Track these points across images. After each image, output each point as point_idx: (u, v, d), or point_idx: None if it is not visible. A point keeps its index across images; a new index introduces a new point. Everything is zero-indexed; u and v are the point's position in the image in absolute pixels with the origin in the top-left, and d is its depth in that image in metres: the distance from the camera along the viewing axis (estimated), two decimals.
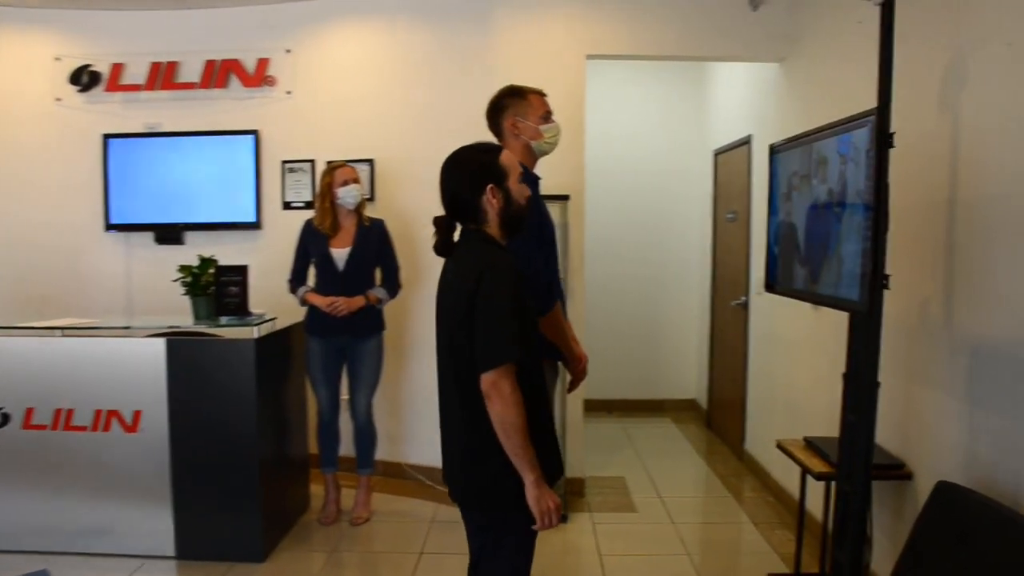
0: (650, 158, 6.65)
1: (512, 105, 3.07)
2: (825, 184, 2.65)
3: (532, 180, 3.08)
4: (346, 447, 4.44)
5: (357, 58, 4.90)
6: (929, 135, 2.98)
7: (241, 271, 3.96)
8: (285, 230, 4.88)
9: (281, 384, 4.10)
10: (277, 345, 4.04)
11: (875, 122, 2.32)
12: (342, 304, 4.11)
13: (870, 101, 3.57)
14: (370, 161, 4.81)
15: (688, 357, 6.84)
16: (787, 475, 4.53)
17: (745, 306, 5.33)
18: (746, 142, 5.30)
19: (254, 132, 4.96)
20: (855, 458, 2.76)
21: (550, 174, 4.43)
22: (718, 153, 6.08)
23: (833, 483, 3.29)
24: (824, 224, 2.67)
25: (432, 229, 2.35)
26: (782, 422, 4.64)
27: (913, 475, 3.15)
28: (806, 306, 4.21)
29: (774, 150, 3.21)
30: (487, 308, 2.11)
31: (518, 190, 2.26)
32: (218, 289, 3.93)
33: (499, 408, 2.06)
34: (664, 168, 6.65)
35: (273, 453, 3.96)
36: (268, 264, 4.56)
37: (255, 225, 5.01)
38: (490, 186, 2.20)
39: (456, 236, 2.34)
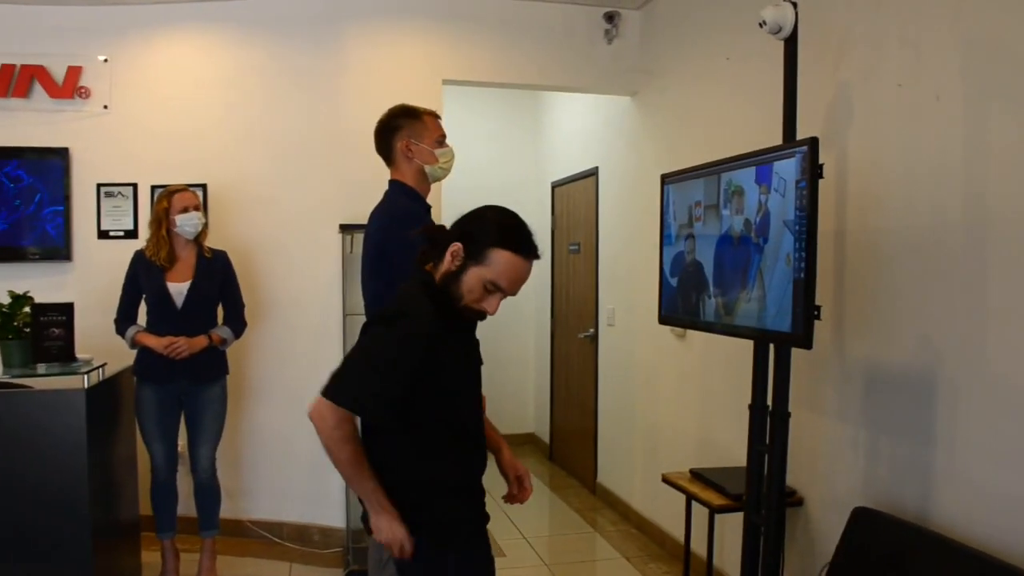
0: (484, 189, 6.50)
1: (406, 126, 2.84)
2: (741, 215, 2.64)
3: (424, 209, 2.88)
4: (182, 507, 3.91)
5: (188, 72, 4.42)
6: None
7: (66, 310, 3.38)
8: (101, 262, 4.32)
9: (112, 440, 3.54)
10: (108, 395, 3.48)
11: (808, 153, 2.32)
12: (183, 345, 3.63)
13: (726, 134, 3.74)
14: (203, 186, 4.33)
15: (525, 391, 6.77)
16: (651, 507, 4.54)
17: (594, 338, 5.34)
18: (592, 174, 5.34)
19: (63, 150, 4.32)
20: (771, 488, 2.75)
21: None
22: (556, 185, 6.11)
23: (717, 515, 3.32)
24: (740, 255, 2.65)
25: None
26: (643, 454, 4.65)
27: (804, 501, 3.21)
28: (669, 336, 4.26)
29: (666, 179, 3.19)
30: (370, 349, 1.88)
31: (474, 289, 1.88)
32: (36, 331, 3.32)
33: (322, 438, 1.85)
34: (500, 201, 6.54)
35: (105, 521, 3.39)
36: (81, 301, 3.93)
37: (64, 256, 4.34)
38: (459, 245, 1.88)
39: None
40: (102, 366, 3.45)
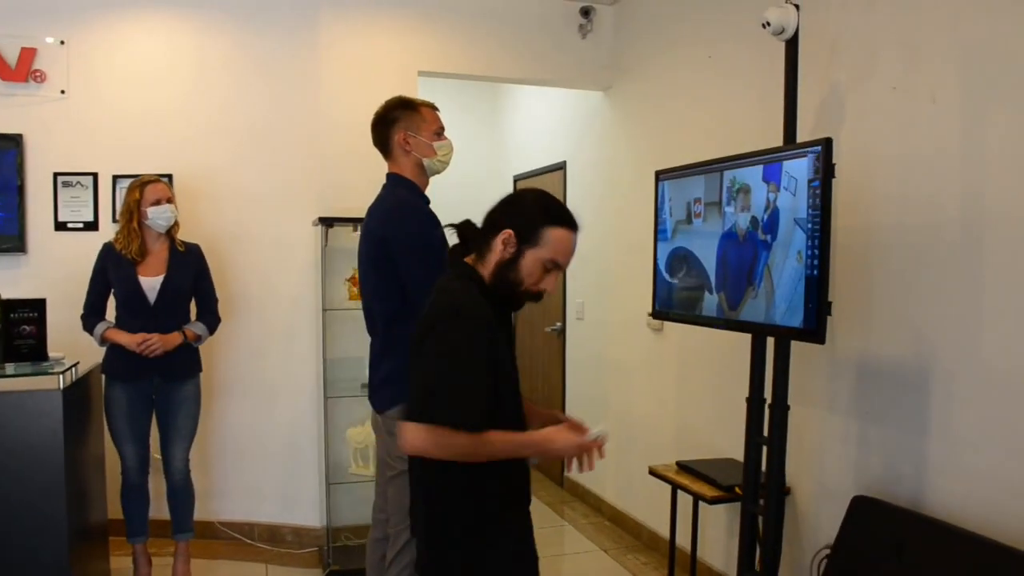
0: (440, 183, 6.47)
1: (403, 118, 2.81)
2: (747, 212, 2.68)
3: (425, 202, 2.86)
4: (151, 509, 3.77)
5: (152, 57, 4.23)
6: None
7: (38, 306, 3.21)
8: (58, 255, 4.15)
9: (84, 442, 3.39)
10: (80, 396, 3.33)
11: (822, 153, 2.37)
12: (157, 342, 3.49)
13: (705, 131, 3.81)
14: (169, 176, 4.17)
15: None
16: (624, 499, 4.59)
17: (561, 332, 5.36)
18: (560, 167, 5.35)
19: (16, 137, 4.09)
20: (770, 479, 2.81)
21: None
22: (519, 179, 6.09)
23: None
24: (746, 252, 2.69)
25: None
26: (616, 447, 4.68)
27: (792, 491, 3.29)
28: (644, 330, 4.31)
29: (661, 176, 3.21)
30: (444, 352, 1.80)
31: (533, 272, 1.88)
32: (6, 329, 3.15)
33: (436, 458, 1.80)
34: (460, 194, 6.49)
35: (79, 526, 3.24)
36: (38, 295, 3.72)
37: (18, 248, 4.12)
38: (509, 231, 1.87)
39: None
40: (74, 365, 3.30)
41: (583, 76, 4.65)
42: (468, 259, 1.97)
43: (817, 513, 3.17)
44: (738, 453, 3.57)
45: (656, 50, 4.29)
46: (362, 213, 4.05)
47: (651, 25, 4.33)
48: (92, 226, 4.19)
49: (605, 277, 4.75)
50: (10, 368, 3.17)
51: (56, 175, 4.17)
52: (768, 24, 2.76)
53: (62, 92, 4.16)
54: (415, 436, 1.76)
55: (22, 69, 4.08)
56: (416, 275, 2.59)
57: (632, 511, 4.49)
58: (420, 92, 5.67)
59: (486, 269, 1.91)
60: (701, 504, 3.39)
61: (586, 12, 4.47)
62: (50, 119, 4.14)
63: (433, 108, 2.88)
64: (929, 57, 2.68)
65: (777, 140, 2.94)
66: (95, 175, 4.20)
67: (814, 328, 2.42)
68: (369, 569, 2.94)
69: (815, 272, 2.40)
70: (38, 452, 3.01)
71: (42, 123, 4.13)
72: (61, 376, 3.10)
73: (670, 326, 4.08)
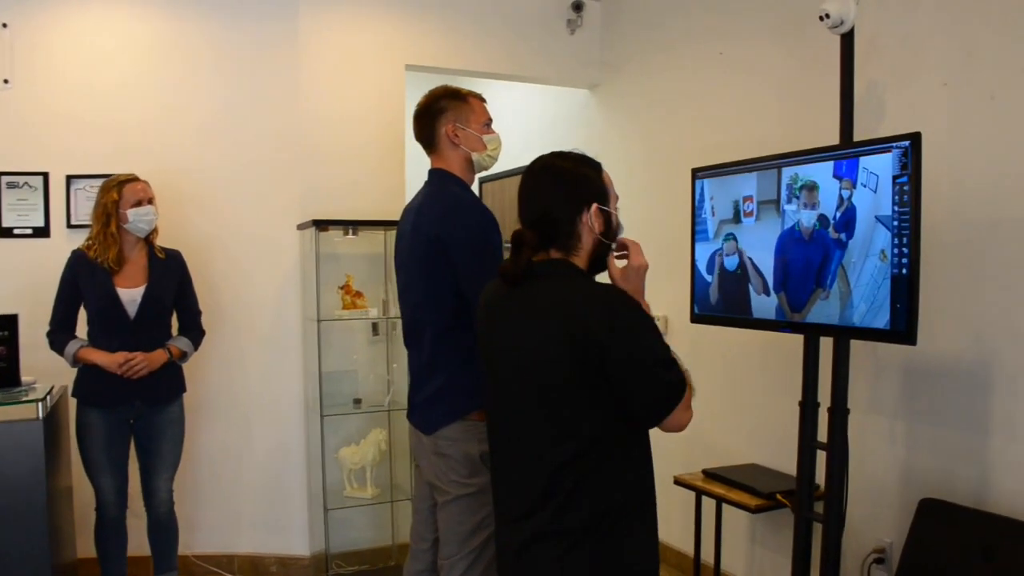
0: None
1: (451, 109, 2.55)
2: (814, 209, 2.58)
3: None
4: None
5: (110, 44, 3.80)
6: None
7: (9, 323, 2.82)
8: (3, 265, 3.68)
9: (56, 475, 2.99)
10: (55, 425, 2.94)
11: (911, 148, 2.28)
12: (141, 361, 3.13)
13: (703, 131, 3.78)
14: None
15: None
16: None
17: None
18: None
19: None
20: (831, 484, 2.72)
21: (366, 197, 3.89)
22: (485, 181, 5.89)
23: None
24: (813, 251, 2.58)
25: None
26: None
27: None
28: None
29: (698, 173, 3.09)
30: (640, 353, 1.67)
31: (618, 217, 1.87)
32: None
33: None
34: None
35: (56, 570, 2.86)
36: None
37: None
38: (595, 206, 1.78)
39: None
40: (50, 391, 2.91)
41: (571, 73, 4.49)
42: (552, 255, 1.79)
43: (861, 516, 3.10)
44: (761, 458, 3.51)
45: (652, 46, 4.18)
46: (350, 215, 3.84)
47: (644, 21, 4.22)
48: (43, 232, 3.75)
49: None
50: None
51: (0, 175, 3.71)
52: (827, 16, 2.66)
53: (5, 82, 3.70)
54: (684, 419, 1.78)
55: None
56: (477, 278, 2.34)
57: None
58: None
59: (581, 256, 1.80)
60: (754, 513, 3.25)
61: (578, 7, 4.31)
62: None
63: (481, 99, 2.64)
64: (985, 54, 2.65)
65: (798, 140, 2.89)
66: (46, 175, 3.75)
67: (904, 329, 2.33)
68: None
69: (904, 271, 2.31)
70: (17, 488, 2.66)
71: None
72: (40, 404, 2.73)
73: (677, 331, 3.97)
